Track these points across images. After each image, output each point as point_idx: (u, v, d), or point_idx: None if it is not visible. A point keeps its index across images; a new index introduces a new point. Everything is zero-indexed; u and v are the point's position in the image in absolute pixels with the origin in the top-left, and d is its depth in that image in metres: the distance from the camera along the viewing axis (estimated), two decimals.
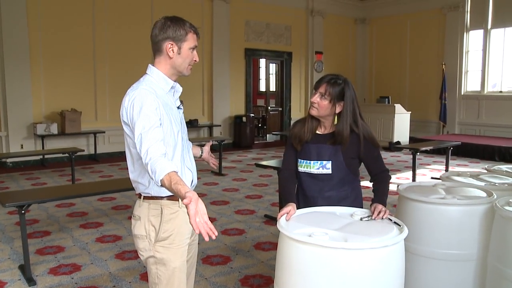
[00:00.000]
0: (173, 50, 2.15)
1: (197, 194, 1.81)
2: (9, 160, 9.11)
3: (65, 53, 9.77)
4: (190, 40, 2.17)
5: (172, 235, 2.19)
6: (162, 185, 1.88)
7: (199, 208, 1.72)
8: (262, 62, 15.95)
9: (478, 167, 9.58)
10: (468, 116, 13.11)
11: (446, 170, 8.27)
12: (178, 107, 2.28)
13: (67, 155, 8.01)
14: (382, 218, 2.27)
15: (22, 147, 9.32)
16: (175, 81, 2.25)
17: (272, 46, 13.45)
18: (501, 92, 12.55)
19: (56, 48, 9.65)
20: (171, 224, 2.19)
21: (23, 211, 3.76)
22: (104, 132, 10.20)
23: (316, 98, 2.50)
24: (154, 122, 2.00)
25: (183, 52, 2.16)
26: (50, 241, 4.84)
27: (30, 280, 3.78)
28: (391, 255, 1.93)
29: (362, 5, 15.32)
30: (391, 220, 2.24)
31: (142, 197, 2.22)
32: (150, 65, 2.25)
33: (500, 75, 12.61)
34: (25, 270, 3.86)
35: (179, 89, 2.30)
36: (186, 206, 1.73)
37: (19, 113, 9.26)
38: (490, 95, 12.68)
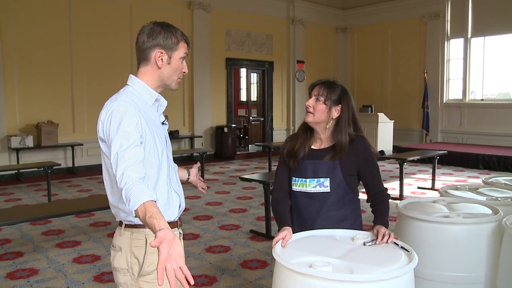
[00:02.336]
0: (162, 59, 1.93)
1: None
2: None
3: (41, 64, 9.46)
4: (181, 50, 1.96)
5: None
6: (136, 216, 1.63)
7: (173, 251, 1.44)
8: (243, 71, 15.79)
9: (463, 175, 9.53)
10: (450, 124, 13.13)
11: (433, 179, 8.18)
12: (163, 123, 2.04)
13: (43, 169, 7.71)
14: (387, 242, 2.07)
15: None
16: (159, 94, 2.02)
17: (253, 55, 13.31)
18: (482, 100, 12.60)
19: (32, 59, 9.34)
20: (156, 256, 1.92)
21: None
22: (82, 144, 9.88)
23: (311, 102, 2.33)
24: (134, 140, 1.75)
25: (173, 62, 1.94)
26: (22, 263, 4.54)
27: None
28: (402, 286, 1.74)
29: (343, 14, 15.30)
30: (397, 244, 2.05)
31: (123, 225, 1.96)
32: (131, 75, 2.00)
33: (481, 83, 12.67)
34: None
35: (163, 102, 2.05)
36: (157, 248, 1.46)
37: None
38: (471, 103, 12.73)
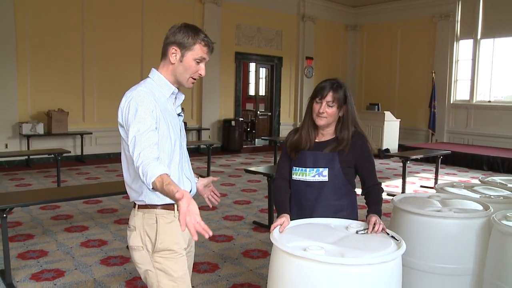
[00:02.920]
0: (175, 56, 2.05)
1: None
2: None
3: (53, 53, 9.62)
4: (197, 51, 2.06)
5: (170, 245, 2.09)
6: (153, 188, 1.79)
7: (191, 208, 1.66)
8: (252, 66, 15.90)
9: (467, 176, 9.60)
10: (457, 125, 13.17)
11: (436, 178, 8.27)
12: (179, 114, 2.18)
13: (53, 156, 7.87)
14: (378, 232, 2.20)
15: (6, 147, 9.15)
16: (176, 88, 2.15)
17: (262, 50, 13.41)
18: (489, 101, 12.62)
19: (44, 48, 9.50)
20: (167, 234, 2.08)
21: (4, 215, 3.64)
22: (91, 133, 10.07)
23: (324, 108, 2.45)
24: (150, 125, 1.91)
25: (185, 60, 2.05)
26: (33, 245, 4.71)
27: (10, 286, 3.66)
28: (389, 271, 1.86)
29: (354, 11, 15.36)
30: (388, 234, 2.18)
31: (136, 206, 2.12)
32: (153, 68, 2.15)
33: (489, 85, 12.69)
34: (5, 275, 3.73)
35: (181, 96, 2.19)
36: (177, 203, 1.67)
37: (4, 112, 9.09)
38: (479, 104, 12.75)
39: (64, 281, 3.84)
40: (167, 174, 1.79)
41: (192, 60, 2.06)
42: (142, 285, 3.76)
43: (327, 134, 2.54)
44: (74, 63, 9.97)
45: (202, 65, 2.10)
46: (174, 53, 2.05)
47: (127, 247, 4.59)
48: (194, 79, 2.13)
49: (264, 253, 4.62)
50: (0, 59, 8.86)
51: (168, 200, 2.03)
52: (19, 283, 3.77)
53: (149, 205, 2.07)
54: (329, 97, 2.44)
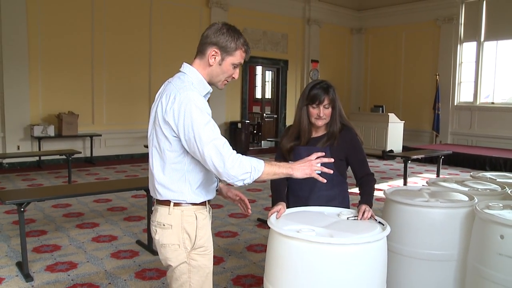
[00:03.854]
0: (215, 58, 2.06)
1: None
2: (5, 160, 9.20)
3: (63, 57, 9.89)
4: (237, 57, 2.08)
5: (206, 241, 2.17)
6: (259, 177, 1.96)
7: (304, 164, 2.05)
8: (259, 69, 16.12)
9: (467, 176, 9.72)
10: (460, 126, 13.30)
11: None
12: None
13: (63, 157, 8.13)
14: (367, 218, 2.40)
15: (18, 148, 9.40)
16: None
17: (268, 53, 13.61)
18: (493, 103, 12.74)
19: (55, 52, 9.77)
20: (204, 230, 2.16)
21: (22, 209, 3.86)
22: (100, 135, 10.30)
23: (323, 112, 2.68)
24: (216, 129, 1.98)
25: (224, 64, 2.08)
26: (46, 240, 4.94)
27: (28, 277, 3.87)
28: (374, 251, 2.06)
29: (359, 15, 15.54)
30: (376, 220, 2.37)
31: (171, 204, 2.09)
32: (186, 64, 2.12)
33: (492, 87, 12.81)
34: (22, 266, 3.95)
35: (208, 95, 2.18)
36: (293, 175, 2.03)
37: (16, 115, 9.36)
38: (482, 106, 12.87)
39: (77, 272, 4.06)
40: (266, 162, 1.99)
41: (230, 64, 2.09)
42: (150, 276, 3.98)
43: (319, 130, 2.76)
44: (84, 66, 10.22)
45: (237, 69, 2.14)
46: (214, 55, 2.05)
47: (137, 242, 4.83)
48: (227, 81, 2.17)
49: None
50: (12, 63, 9.14)
51: (205, 198, 2.14)
52: (35, 273, 3.99)
53: (191, 203, 2.10)
54: (326, 101, 2.67)
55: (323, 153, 2.09)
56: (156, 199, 2.16)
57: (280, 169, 2.01)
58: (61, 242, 4.86)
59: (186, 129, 1.93)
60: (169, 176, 2.06)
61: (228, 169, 1.91)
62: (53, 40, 9.72)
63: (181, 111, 1.93)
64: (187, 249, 2.11)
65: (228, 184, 2.27)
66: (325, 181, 2.08)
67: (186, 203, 2.09)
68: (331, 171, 2.09)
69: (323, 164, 2.09)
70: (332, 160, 2.07)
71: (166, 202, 2.10)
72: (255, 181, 1.99)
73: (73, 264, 4.24)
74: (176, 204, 2.09)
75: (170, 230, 2.10)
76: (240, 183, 1.96)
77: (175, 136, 1.99)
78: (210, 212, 2.28)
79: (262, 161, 1.96)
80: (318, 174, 2.06)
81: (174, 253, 2.11)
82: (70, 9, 9.90)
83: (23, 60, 9.31)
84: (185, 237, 2.10)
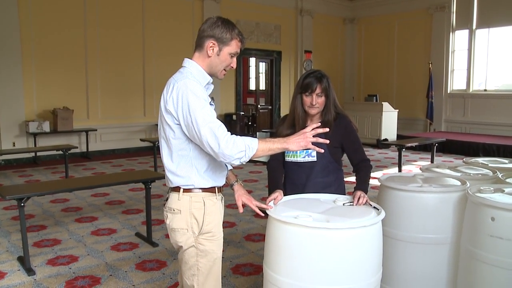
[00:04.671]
0: (213, 50, 2.16)
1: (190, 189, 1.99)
2: (1, 157, 9.21)
3: (57, 53, 9.89)
4: (233, 46, 2.19)
5: (214, 227, 2.25)
6: (255, 155, 2.03)
7: (297, 137, 2.06)
8: (252, 61, 16.12)
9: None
10: (454, 114, 13.39)
11: None
12: (210, 103, 2.27)
13: (59, 152, 8.14)
14: (362, 204, 2.46)
15: (14, 145, 9.41)
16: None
17: (262, 45, 13.63)
18: (485, 90, 12.83)
19: (48, 48, 9.76)
20: (212, 216, 2.24)
21: (22, 204, 3.90)
22: (96, 130, 10.33)
23: (315, 100, 2.72)
24: (212, 113, 2.07)
25: (222, 55, 2.18)
26: (46, 234, 4.99)
27: (29, 270, 3.93)
28: (369, 234, 2.12)
29: (351, 4, 15.57)
30: (371, 205, 2.44)
31: (181, 190, 2.20)
32: (187, 59, 2.23)
33: (485, 74, 12.89)
34: (24, 261, 4.00)
35: (211, 86, 2.29)
36: (289, 147, 2.07)
37: (11, 111, 9.37)
38: (475, 93, 12.96)
39: (78, 265, 4.11)
40: (259, 141, 2.04)
41: (227, 54, 2.19)
42: (151, 267, 4.04)
43: (314, 119, 2.81)
44: (77, 61, 10.23)
45: (234, 58, 2.24)
46: (212, 46, 2.16)
47: (136, 234, 4.88)
48: (226, 71, 2.27)
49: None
50: (5, 60, 9.14)
51: (213, 184, 2.23)
52: (37, 267, 4.05)
53: (198, 188, 2.20)
54: (318, 89, 2.72)
55: (318, 124, 2.12)
56: (170, 187, 2.28)
57: (275, 144, 2.07)
58: (61, 236, 4.91)
59: (184, 114, 2.04)
60: (177, 163, 2.18)
61: (223, 149, 1.99)
62: (47, 36, 9.71)
63: (179, 98, 2.05)
64: (194, 234, 2.22)
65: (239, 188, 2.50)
66: (322, 151, 2.17)
67: (194, 188, 2.19)
68: (327, 141, 2.08)
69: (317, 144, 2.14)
70: (327, 141, 2.10)
71: (177, 189, 2.22)
72: (253, 159, 2.09)
73: (74, 258, 4.29)
74: (185, 190, 2.20)
75: (179, 215, 2.21)
76: (237, 162, 2.06)
77: (177, 124, 2.10)
78: (223, 201, 2.39)
79: (256, 139, 2.04)
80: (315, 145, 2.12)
81: (183, 237, 2.22)
82: (63, 5, 9.88)
83: (17, 57, 9.30)
84: (193, 222, 2.21)
